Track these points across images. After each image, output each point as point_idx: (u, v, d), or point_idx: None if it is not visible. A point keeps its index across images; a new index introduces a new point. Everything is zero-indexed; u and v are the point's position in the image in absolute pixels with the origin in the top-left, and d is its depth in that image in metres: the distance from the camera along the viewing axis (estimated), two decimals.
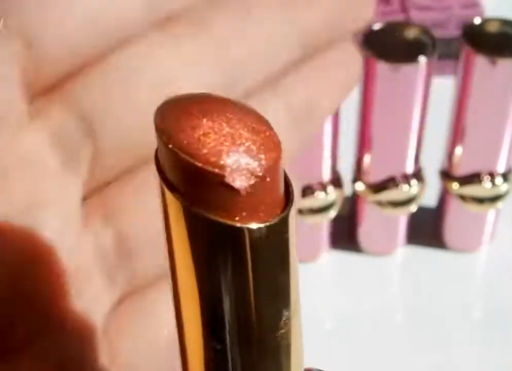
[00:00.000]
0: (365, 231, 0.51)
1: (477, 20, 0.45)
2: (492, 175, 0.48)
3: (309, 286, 0.50)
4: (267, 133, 0.15)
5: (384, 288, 0.51)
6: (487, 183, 0.48)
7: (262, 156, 0.15)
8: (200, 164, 0.15)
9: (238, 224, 0.15)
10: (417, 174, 0.48)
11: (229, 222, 0.15)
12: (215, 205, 0.15)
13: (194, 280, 0.16)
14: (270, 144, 0.15)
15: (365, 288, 0.50)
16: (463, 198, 0.49)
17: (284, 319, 0.17)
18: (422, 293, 0.50)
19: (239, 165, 0.15)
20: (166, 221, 0.16)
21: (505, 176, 0.48)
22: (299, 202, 0.47)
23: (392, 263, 0.52)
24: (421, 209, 0.51)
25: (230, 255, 0.16)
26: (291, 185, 0.16)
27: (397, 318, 0.49)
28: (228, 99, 0.16)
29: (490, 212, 0.50)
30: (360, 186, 0.49)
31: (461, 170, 0.48)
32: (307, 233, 0.50)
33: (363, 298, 0.50)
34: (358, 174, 0.49)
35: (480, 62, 0.43)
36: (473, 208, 0.49)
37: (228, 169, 0.15)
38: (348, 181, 0.50)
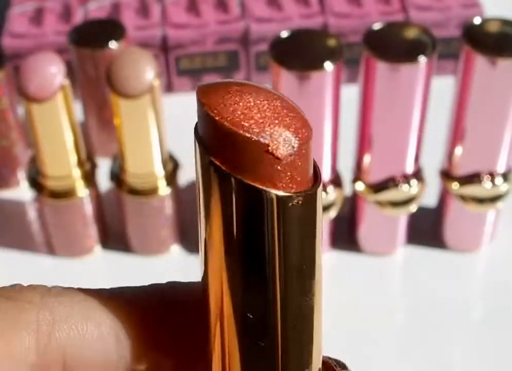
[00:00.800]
0: (365, 231, 0.51)
1: (477, 20, 0.45)
2: (492, 175, 0.48)
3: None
4: (300, 114, 0.17)
5: (384, 288, 0.51)
6: (487, 183, 0.48)
7: (300, 131, 0.17)
8: (246, 134, 0.16)
9: (279, 192, 0.16)
10: (417, 174, 0.48)
11: (270, 189, 0.16)
12: (256, 174, 0.16)
13: (228, 246, 0.17)
14: (304, 122, 0.17)
15: (365, 288, 0.50)
16: (463, 198, 0.49)
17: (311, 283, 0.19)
18: (422, 293, 0.50)
19: (280, 136, 0.17)
20: (205, 194, 0.17)
21: (505, 176, 0.48)
22: None
23: (392, 263, 0.52)
24: (421, 209, 0.51)
25: (268, 221, 0.17)
26: (318, 166, 0.18)
27: (398, 317, 0.49)
28: (263, 86, 0.18)
29: (490, 212, 0.50)
30: (360, 186, 0.49)
31: (461, 170, 0.48)
32: None
33: (363, 297, 0.50)
34: (358, 174, 0.49)
35: (480, 62, 0.43)
36: (473, 208, 0.49)
37: (271, 139, 0.16)
38: (348, 181, 0.50)
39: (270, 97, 0.17)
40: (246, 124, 0.16)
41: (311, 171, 0.18)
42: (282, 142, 0.17)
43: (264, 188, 0.16)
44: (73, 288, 0.21)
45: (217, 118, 0.16)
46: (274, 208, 0.17)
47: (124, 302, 0.20)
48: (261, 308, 0.18)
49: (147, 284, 0.21)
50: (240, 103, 0.17)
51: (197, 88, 0.17)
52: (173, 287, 0.21)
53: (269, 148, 0.16)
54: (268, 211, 0.17)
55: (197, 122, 0.17)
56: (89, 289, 0.21)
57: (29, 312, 0.19)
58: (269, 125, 0.17)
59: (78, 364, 0.20)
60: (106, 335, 0.20)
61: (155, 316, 0.20)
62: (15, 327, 0.19)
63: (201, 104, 0.17)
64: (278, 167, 0.16)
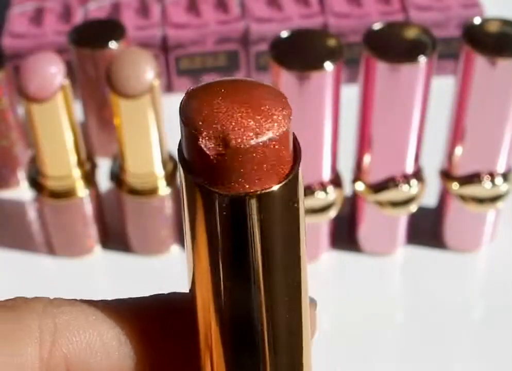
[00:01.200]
0: (365, 231, 0.51)
1: (477, 20, 0.45)
2: (492, 175, 0.48)
3: (309, 286, 0.50)
4: (275, 116, 0.17)
5: (384, 288, 0.51)
6: (487, 183, 0.48)
7: (244, 128, 0.16)
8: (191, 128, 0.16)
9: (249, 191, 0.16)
10: (417, 174, 0.48)
11: (236, 192, 0.16)
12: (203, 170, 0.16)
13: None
14: (268, 124, 0.17)
15: (365, 288, 0.50)
16: (463, 198, 0.49)
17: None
18: (422, 293, 0.50)
19: (214, 133, 0.16)
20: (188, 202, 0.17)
21: (505, 176, 0.48)
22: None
23: (392, 263, 0.52)
24: (421, 209, 0.51)
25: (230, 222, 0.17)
26: (298, 147, 0.18)
27: (398, 317, 0.49)
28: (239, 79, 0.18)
29: (490, 212, 0.50)
30: (360, 186, 0.49)
31: (461, 170, 0.48)
32: (307, 233, 0.50)
33: (363, 298, 0.50)
34: (358, 174, 0.49)
35: (480, 62, 0.43)
36: (473, 208, 0.49)
37: (203, 134, 0.16)
38: (348, 181, 0.50)
39: (237, 93, 0.17)
40: (200, 118, 0.17)
41: (288, 157, 0.17)
42: (214, 139, 0.16)
43: (212, 189, 0.16)
44: (75, 299, 0.21)
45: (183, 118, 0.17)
46: (249, 207, 0.17)
47: (127, 311, 0.20)
48: (247, 313, 0.18)
49: (149, 294, 0.21)
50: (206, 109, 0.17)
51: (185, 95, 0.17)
52: (175, 296, 0.21)
53: (199, 142, 0.16)
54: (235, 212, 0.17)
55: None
56: (92, 300, 0.21)
57: (31, 321, 0.19)
58: (218, 122, 0.16)
59: None
60: (109, 343, 0.20)
61: (159, 325, 0.20)
62: (18, 336, 0.19)
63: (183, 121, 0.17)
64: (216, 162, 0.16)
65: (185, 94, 0.18)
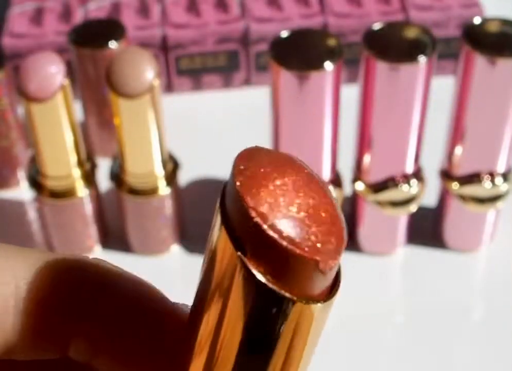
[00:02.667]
0: (365, 231, 0.51)
1: (477, 20, 0.45)
2: (492, 175, 0.48)
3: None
4: (336, 219, 0.16)
5: (384, 288, 0.51)
6: (487, 183, 0.48)
7: (339, 238, 0.16)
8: (296, 250, 0.15)
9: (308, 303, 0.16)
10: (417, 174, 0.48)
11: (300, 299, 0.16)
12: (294, 284, 0.16)
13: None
14: (336, 226, 0.16)
15: (365, 288, 0.50)
16: (463, 198, 0.49)
17: None
18: (422, 293, 0.50)
19: (324, 250, 0.16)
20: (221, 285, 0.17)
21: (505, 176, 0.48)
22: None
23: (392, 263, 0.52)
24: (421, 209, 0.51)
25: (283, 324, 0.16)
26: (340, 266, 0.17)
27: (398, 317, 0.49)
28: (305, 172, 0.17)
29: (490, 212, 0.50)
30: (360, 186, 0.49)
31: (461, 170, 0.48)
32: None
33: (363, 298, 0.50)
34: (358, 174, 0.49)
35: (480, 62, 0.43)
36: (473, 208, 0.49)
37: (322, 256, 0.16)
38: (348, 181, 0.50)
39: (313, 199, 0.16)
40: (291, 236, 0.16)
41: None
42: (326, 256, 0.16)
43: (292, 297, 0.16)
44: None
45: (264, 226, 0.16)
46: (291, 312, 0.16)
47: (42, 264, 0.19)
48: None
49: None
50: (283, 206, 0.16)
51: (236, 176, 0.16)
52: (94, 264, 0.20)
53: (319, 265, 0.16)
54: (283, 315, 0.16)
55: (223, 198, 0.17)
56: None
57: None
58: (318, 238, 0.16)
59: None
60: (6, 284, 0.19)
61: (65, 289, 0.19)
62: None
63: (242, 201, 0.16)
64: (319, 278, 0.16)
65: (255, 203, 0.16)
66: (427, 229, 0.53)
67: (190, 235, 0.53)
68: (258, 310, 0.16)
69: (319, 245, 0.16)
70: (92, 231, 0.52)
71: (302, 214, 0.16)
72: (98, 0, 0.64)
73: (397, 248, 0.52)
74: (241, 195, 0.16)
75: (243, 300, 0.16)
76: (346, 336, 0.47)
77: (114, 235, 0.54)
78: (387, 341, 0.48)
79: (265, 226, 0.15)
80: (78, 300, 0.19)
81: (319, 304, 0.16)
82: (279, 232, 0.15)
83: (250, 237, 0.16)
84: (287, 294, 0.16)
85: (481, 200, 0.49)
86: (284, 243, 0.15)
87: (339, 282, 0.17)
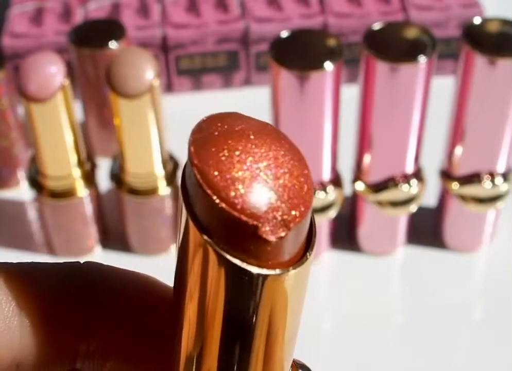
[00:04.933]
0: (365, 231, 0.51)
1: (477, 20, 0.45)
2: (492, 175, 0.48)
3: (309, 286, 0.50)
4: (301, 179, 0.16)
5: (384, 288, 0.51)
6: (487, 183, 0.48)
7: (295, 211, 0.15)
8: (235, 213, 0.15)
9: (263, 270, 0.16)
10: (417, 174, 0.48)
11: (254, 268, 0.15)
12: (245, 251, 0.15)
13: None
14: (302, 192, 0.16)
15: (365, 288, 0.50)
16: (463, 198, 0.49)
17: None
18: (422, 293, 0.50)
19: (273, 218, 0.15)
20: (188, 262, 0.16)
21: (505, 176, 0.48)
22: None
23: (392, 263, 0.52)
24: (421, 209, 0.51)
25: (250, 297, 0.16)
26: (315, 226, 0.17)
27: (398, 317, 0.49)
28: (270, 134, 0.16)
29: (490, 212, 0.50)
30: (360, 186, 0.49)
31: (461, 170, 0.48)
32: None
33: (363, 298, 0.50)
34: (358, 174, 0.49)
35: (480, 62, 0.43)
36: (473, 208, 0.49)
37: (262, 221, 0.15)
38: (348, 181, 0.50)
39: (271, 162, 0.16)
40: (237, 201, 0.15)
41: (304, 237, 0.17)
42: (273, 224, 0.15)
43: (247, 267, 0.16)
44: None
45: (208, 191, 0.15)
46: (256, 285, 0.16)
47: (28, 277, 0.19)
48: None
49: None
50: (235, 171, 0.15)
51: (190, 140, 0.16)
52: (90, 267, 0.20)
53: (259, 230, 0.15)
54: (249, 288, 0.16)
55: (184, 175, 0.16)
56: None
57: None
58: (263, 204, 0.15)
59: None
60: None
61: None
62: None
63: (192, 164, 0.16)
64: (268, 248, 0.15)
65: (202, 164, 0.16)
66: (427, 229, 0.53)
67: None
68: (229, 288, 0.16)
69: (264, 210, 0.15)
70: (92, 231, 0.52)
71: (261, 177, 0.15)
72: (98, 0, 0.64)
73: (397, 248, 0.52)
74: (192, 159, 0.16)
75: (211, 277, 0.16)
76: (346, 336, 0.47)
77: (114, 235, 0.54)
78: (386, 341, 0.48)
79: (209, 191, 0.15)
80: (85, 304, 0.19)
81: (290, 272, 0.16)
82: (219, 189, 0.15)
83: (201, 204, 0.16)
84: (247, 266, 0.15)
85: (481, 200, 0.49)
86: (218, 201, 0.15)
87: (312, 246, 0.17)
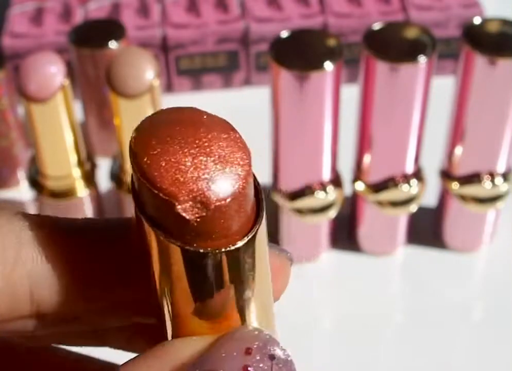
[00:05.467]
0: (365, 231, 0.51)
1: (477, 20, 0.45)
2: (492, 175, 0.48)
3: (309, 286, 0.50)
4: (235, 162, 0.16)
5: (384, 288, 0.51)
6: (487, 183, 0.48)
7: (217, 192, 0.16)
8: (155, 191, 0.16)
9: (200, 250, 0.16)
10: (418, 174, 0.48)
11: (190, 247, 0.16)
12: (182, 229, 0.16)
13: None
14: (231, 174, 0.16)
15: (365, 288, 0.50)
16: (463, 198, 0.49)
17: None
18: (422, 293, 0.50)
19: (192, 197, 0.16)
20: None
21: (505, 176, 0.48)
22: (300, 202, 0.47)
23: (392, 263, 0.52)
24: (421, 209, 0.51)
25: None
26: (262, 199, 0.17)
27: (398, 317, 0.49)
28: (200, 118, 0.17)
29: (490, 212, 0.50)
30: (360, 186, 0.49)
31: (461, 170, 0.48)
32: (307, 233, 0.50)
33: (363, 297, 0.50)
34: (358, 174, 0.49)
35: (480, 62, 0.43)
36: (473, 208, 0.49)
37: (181, 200, 0.16)
38: (348, 181, 0.50)
39: (199, 143, 0.16)
40: (162, 180, 0.16)
41: (249, 211, 0.17)
42: (192, 204, 0.16)
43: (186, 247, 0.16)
44: (38, 214, 0.20)
45: (137, 172, 0.16)
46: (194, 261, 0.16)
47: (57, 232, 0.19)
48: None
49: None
50: (162, 155, 0.16)
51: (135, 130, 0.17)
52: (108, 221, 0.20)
53: (176, 208, 0.16)
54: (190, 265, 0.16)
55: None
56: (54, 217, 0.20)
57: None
58: (184, 182, 0.16)
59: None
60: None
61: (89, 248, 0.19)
62: None
63: (130, 153, 0.17)
64: (191, 226, 0.16)
65: (136, 146, 0.17)
66: (427, 229, 0.53)
67: None
68: (187, 269, 0.16)
69: (183, 189, 0.16)
70: None
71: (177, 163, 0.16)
72: (98, 0, 0.64)
73: (397, 248, 0.52)
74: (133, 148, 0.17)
75: (172, 264, 0.17)
76: (346, 335, 0.47)
77: None
78: (386, 341, 0.48)
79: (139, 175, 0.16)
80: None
81: (228, 248, 0.16)
82: (147, 172, 0.16)
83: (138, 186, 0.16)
84: (188, 247, 0.16)
85: (481, 200, 0.49)
86: (142, 180, 0.16)
87: (261, 219, 0.17)
